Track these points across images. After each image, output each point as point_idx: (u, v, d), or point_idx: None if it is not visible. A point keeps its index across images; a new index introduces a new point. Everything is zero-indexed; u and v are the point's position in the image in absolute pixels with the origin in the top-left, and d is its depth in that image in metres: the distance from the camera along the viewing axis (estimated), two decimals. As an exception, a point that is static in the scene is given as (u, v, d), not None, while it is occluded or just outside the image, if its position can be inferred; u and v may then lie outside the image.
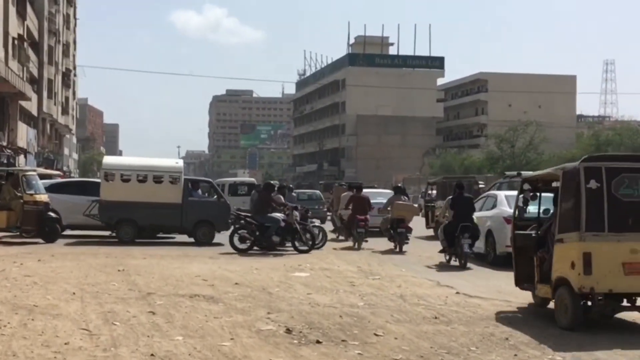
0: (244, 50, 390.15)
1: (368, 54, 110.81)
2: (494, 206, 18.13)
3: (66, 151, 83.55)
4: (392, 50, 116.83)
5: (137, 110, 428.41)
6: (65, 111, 75.01)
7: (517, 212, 11.36)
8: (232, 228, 20.07)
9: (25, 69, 48.02)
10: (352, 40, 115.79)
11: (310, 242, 19.15)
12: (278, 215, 19.18)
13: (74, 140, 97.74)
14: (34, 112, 55.83)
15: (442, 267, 16.28)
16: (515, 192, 13.80)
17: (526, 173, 13.04)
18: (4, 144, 40.57)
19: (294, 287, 12.18)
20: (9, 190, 20.60)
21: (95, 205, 21.47)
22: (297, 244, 19.06)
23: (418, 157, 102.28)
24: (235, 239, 18.86)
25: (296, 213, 19.42)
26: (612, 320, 9.63)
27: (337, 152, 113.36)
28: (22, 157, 45.30)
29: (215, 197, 22.43)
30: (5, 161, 36.08)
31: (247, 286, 12.16)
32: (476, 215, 17.33)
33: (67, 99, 76.36)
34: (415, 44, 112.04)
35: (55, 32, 64.89)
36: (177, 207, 21.27)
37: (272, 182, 20.65)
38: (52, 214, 20.84)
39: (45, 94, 60.50)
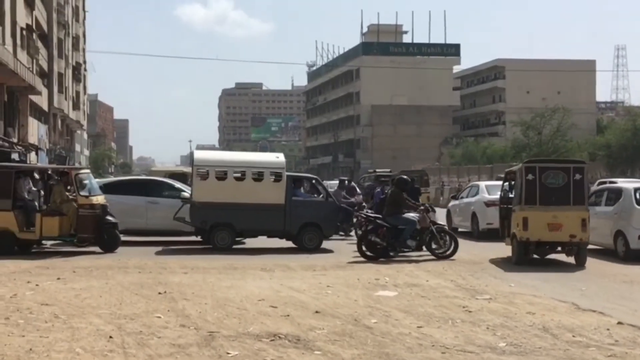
0: (252, 43, 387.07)
1: (382, 43, 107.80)
2: (476, 193, 23.47)
3: (77, 147, 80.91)
4: (407, 39, 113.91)
5: (146, 106, 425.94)
6: (76, 106, 72.42)
7: (502, 194, 18.10)
8: (353, 232, 19.22)
9: (34, 62, 45.41)
10: (365, 29, 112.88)
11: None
12: (412, 215, 16.58)
13: (85, 136, 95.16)
14: (45, 108, 53.02)
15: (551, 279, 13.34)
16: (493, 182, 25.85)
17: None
18: (15, 140, 37.79)
19: (392, 316, 9.33)
20: (61, 192, 17.65)
21: (183, 207, 18.71)
22: (434, 247, 16.47)
23: (435, 147, 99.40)
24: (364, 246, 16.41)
25: (431, 214, 16.94)
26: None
27: (352, 143, 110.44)
28: (33, 154, 42.59)
29: (322, 196, 19.47)
30: (17, 159, 33.19)
31: (332, 315, 9.31)
32: (463, 201, 24.29)
33: (77, 93, 73.77)
34: (430, 32, 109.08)
35: (65, 24, 62.22)
36: (280, 209, 18.47)
37: (404, 177, 17.61)
38: (111, 219, 17.88)
39: (55, 88, 57.87)
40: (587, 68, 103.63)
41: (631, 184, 19.40)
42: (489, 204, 21.80)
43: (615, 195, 17.39)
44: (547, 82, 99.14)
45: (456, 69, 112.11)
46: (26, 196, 17.76)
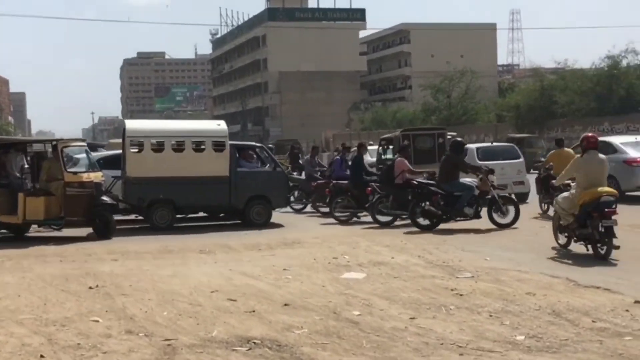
0: (152, 11, 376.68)
1: (287, 8, 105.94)
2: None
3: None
4: (312, 4, 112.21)
5: (43, 77, 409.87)
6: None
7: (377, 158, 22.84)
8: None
9: None
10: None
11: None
12: (469, 180, 15.25)
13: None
14: None
15: (534, 249, 12.26)
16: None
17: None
18: None
19: (374, 305, 7.98)
20: (50, 168, 15.15)
21: (116, 183, 16.59)
22: (495, 216, 14.94)
23: (343, 113, 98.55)
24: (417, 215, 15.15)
25: (493, 177, 15.25)
26: None
27: (261, 111, 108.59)
28: None
29: (268, 166, 17.89)
30: None
31: (304, 308, 7.89)
32: None
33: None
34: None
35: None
36: (225, 182, 16.73)
37: (459, 139, 16.80)
38: (106, 199, 15.48)
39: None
40: (488, 32, 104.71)
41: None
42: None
43: None
44: (450, 46, 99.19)
45: (362, 33, 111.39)
46: (16, 174, 15.38)
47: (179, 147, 16.88)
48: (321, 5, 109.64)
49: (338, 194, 17.59)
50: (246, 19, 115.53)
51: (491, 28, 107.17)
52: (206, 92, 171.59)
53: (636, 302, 7.73)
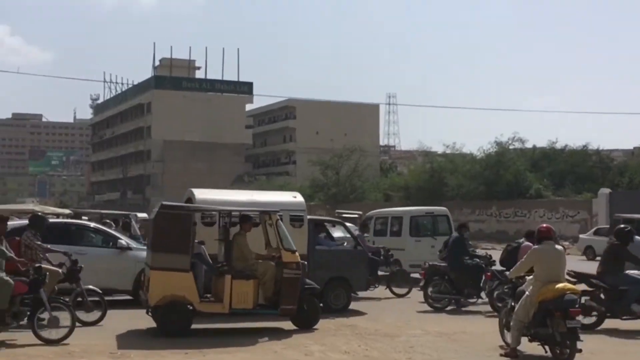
0: (30, 72, 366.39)
1: (174, 77, 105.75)
2: None
3: None
4: (200, 75, 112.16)
5: None
6: None
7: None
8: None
9: None
10: (157, 63, 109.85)
11: None
12: (637, 273, 13.48)
13: None
14: None
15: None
16: None
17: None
18: None
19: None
20: (245, 245, 12.94)
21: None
22: None
23: (227, 185, 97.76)
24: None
25: None
26: None
27: (142, 179, 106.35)
28: None
29: (346, 244, 16.28)
30: None
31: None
32: None
33: None
34: (224, 69, 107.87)
35: None
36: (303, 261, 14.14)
37: (626, 226, 14.26)
38: (310, 282, 13.44)
39: None
40: (371, 112, 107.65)
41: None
42: None
43: None
44: (334, 124, 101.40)
45: (249, 107, 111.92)
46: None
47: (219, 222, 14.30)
48: (209, 77, 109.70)
49: (433, 276, 16.16)
50: (131, 85, 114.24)
51: (374, 109, 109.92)
52: (83, 158, 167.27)
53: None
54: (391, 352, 11.10)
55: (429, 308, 16.11)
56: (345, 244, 17.38)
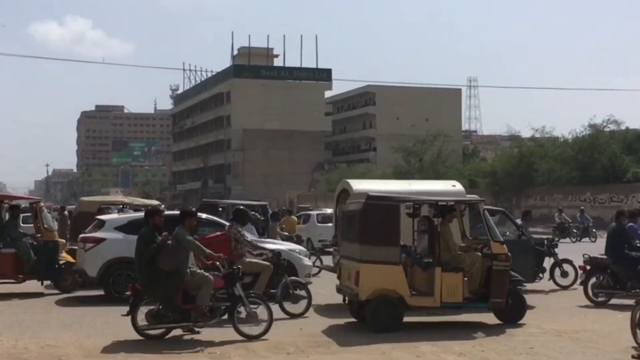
0: (112, 65, 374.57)
1: (253, 66, 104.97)
2: None
3: None
4: (278, 62, 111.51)
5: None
6: None
7: None
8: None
9: None
10: (235, 52, 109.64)
11: None
12: None
13: None
14: None
15: None
16: None
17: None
18: None
19: None
20: (451, 234, 12.59)
21: None
22: None
23: (307, 173, 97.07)
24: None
25: None
26: None
27: (223, 168, 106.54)
28: None
29: (509, 232, 15.70)
30: None
31: None
32: None
33: None
34: (302, 56, 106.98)
35: None
36: None
37: None
38: (515, 274, 12.82)
39: None
40: (453, 97, 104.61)
41: None
42: None
43: None
44: (415, 109, 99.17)
45: (328, 94, 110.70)
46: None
47: (414, 212, 13.55)
48: (287, 64, 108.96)
49: (596, 270, 14.96)
50: (210, 75, 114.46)
51: (456, 93, 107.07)
52: (164, 148, 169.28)
53: None
54: (509, 354, 10.13)
55: (589, 303, 14.79)
56: (507, 233, 16.56)
